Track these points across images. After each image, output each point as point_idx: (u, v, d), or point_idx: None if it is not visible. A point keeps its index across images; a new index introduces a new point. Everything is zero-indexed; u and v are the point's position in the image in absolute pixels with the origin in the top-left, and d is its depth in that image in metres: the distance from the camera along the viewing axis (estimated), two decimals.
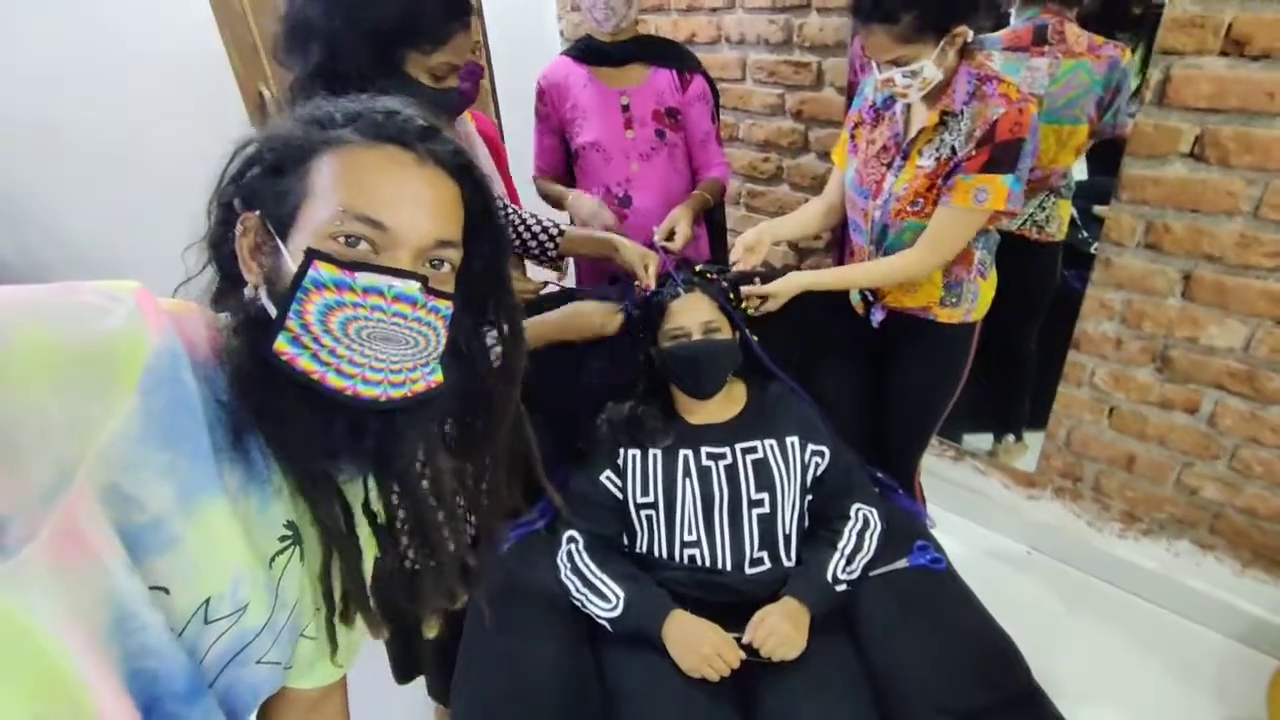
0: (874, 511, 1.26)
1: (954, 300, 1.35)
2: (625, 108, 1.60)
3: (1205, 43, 1.31)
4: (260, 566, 0.56)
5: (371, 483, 0.64)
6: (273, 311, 0.53)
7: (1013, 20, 1.55)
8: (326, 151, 0.55)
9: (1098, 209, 1.58)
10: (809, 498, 1.27)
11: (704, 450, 1.25)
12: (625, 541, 1.27)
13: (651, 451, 1.25)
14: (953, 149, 1.18)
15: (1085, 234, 1.62)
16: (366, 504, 0.63)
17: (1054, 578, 1.90)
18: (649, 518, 1.24)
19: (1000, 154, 1.14)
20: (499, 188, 1.66)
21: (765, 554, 1.22)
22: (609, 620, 1.14)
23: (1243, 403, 1.52)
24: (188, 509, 0.49)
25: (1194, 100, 1.36)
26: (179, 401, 0.48)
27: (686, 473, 1.23)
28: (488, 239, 0.65)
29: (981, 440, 2.03)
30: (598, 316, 1.25)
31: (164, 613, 0.49)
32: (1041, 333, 1.76)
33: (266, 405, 0.53)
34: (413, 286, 0.54)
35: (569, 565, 1.20)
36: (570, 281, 1.79)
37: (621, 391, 1.32)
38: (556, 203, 1.72)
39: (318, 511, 0.58)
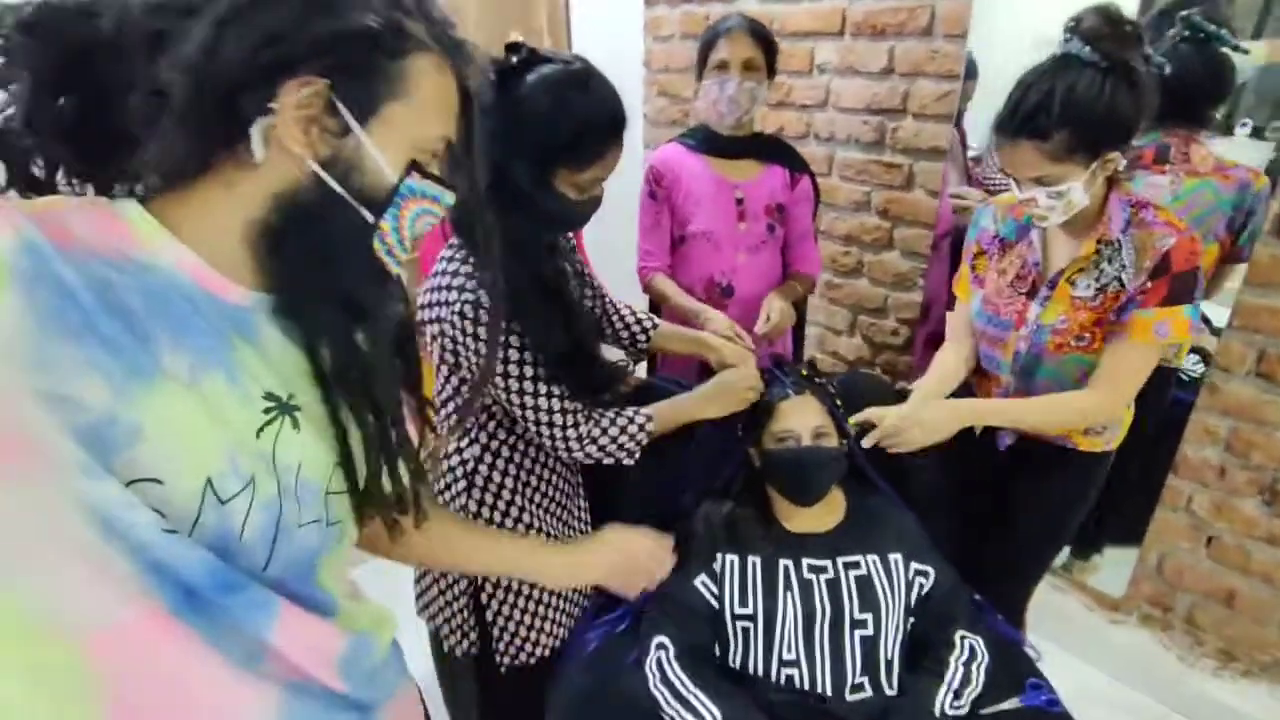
0: (980, 641, 1.19)
1: (1099, 429, 1.29)
2: (739, 201, 1.62)
3: None
4: (247, 439, 0.55)
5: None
6: (368, 216, 0.58)
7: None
8: (419, 54, 0.56)
9: None
10: (911, 620, 1.21)
11: (805, 561, 1.20)
12: (717, 652, 1.21)
13: (750, 558, 1.20)
14: (1119, 280, 1.15)
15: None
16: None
17: (1138, 712, 1.78)
18: (745, 630, 1.18)
19: (1180, 285, 1.10)
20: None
21: (866, 679, 1.15)
22: None
23: None
24: (129, 399, 0.48)
25: None
26: (62, 295, 0.46)
27: (788, 585, 1.18)
28: None
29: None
30: (744, 390, 1.22)
31: (160, 507, 0.49)
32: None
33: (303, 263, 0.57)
34: (451, 195, 0.64)
35: (659, 675, 1.14)
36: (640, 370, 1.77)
37: (718, 490, 1.28)
38: (682, 318, 1.57)
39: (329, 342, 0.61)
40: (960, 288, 1.42)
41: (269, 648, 0.56)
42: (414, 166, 0.59)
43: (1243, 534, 1.59)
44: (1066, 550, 1.95)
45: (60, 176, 0.54)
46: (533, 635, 1.19)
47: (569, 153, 0.99)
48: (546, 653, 1.21)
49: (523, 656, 1.19)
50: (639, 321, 1.38)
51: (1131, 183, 1.48)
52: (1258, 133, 1.61)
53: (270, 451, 0.57)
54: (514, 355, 1.03)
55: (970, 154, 2.01)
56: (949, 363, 1.42)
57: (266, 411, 0.57)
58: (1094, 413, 1.22)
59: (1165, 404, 1.61)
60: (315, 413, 0.61)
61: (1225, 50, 1.36)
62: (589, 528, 1.30)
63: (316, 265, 0.58)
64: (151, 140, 0.50)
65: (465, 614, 1.18)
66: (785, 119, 2.12)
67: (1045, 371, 1.27)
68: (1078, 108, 1.04)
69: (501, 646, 1.18)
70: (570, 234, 1.37)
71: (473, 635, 1.19)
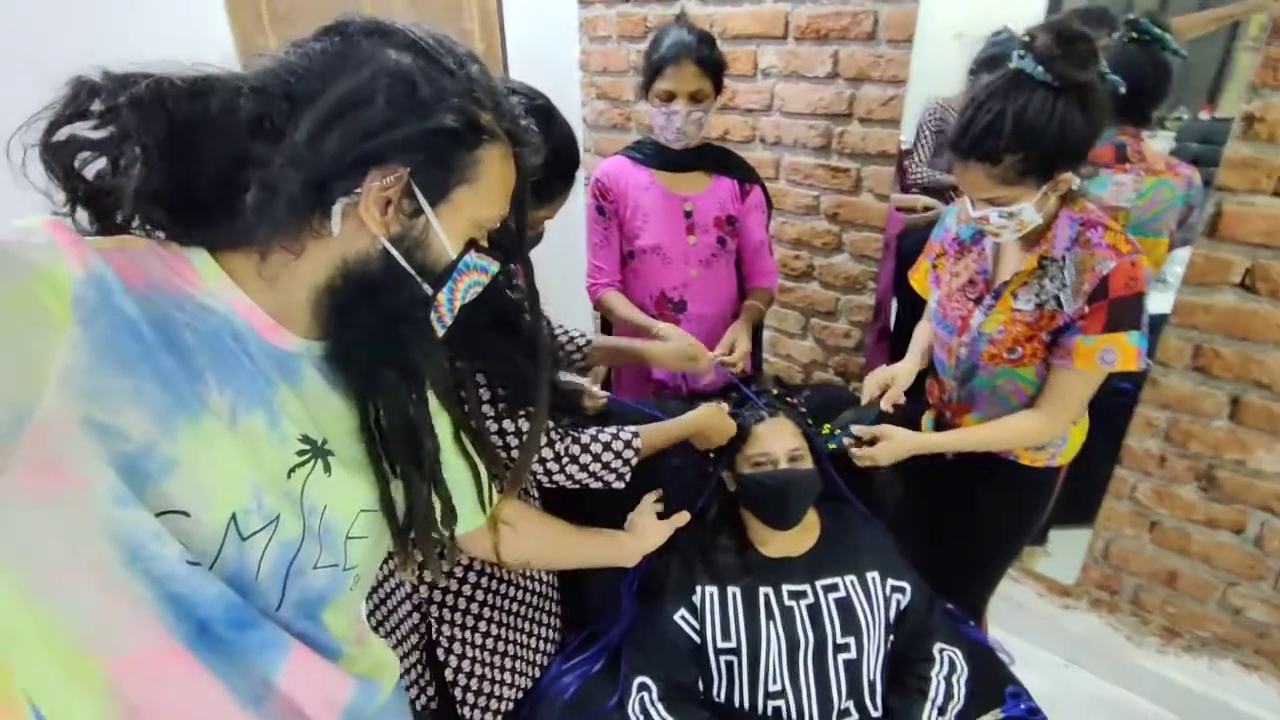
0: (958, 653, 1.20)
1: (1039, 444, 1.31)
2: (688, 214, 1.57)
3: (1259, 183, 1.36)
4: (278, 479, 0.57)
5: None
6: (427, 289, 0.61)
7: None
8: (490, 144, 0.60)
9: None
10: (891, 639, 1.20)
11: (785, 588, 1.17)
12: (700, 688, 1.17)
13: (730, 589, 1.17)
14: (1056, 299, 1.14)
15: None
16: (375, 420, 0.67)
17: (1091, 692, 1.85)
18: (729, 664, 1.15)
19: (1120, 311, 1.09)
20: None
21: (852, 704, 1.14)
22: None
23: None
24: (170, 432, 0.50)
25: (1246, 235, 1.40)
26: (121, 328, 0.48)
27: (769, 614, 1.15)
28: None
29: None
30: (726, 428, 1.23)
31: (184, 540, 0.51)
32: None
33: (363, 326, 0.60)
34: (497, 265, 0.68)
35: (643, 719, 1.10)
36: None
37: (693, 518, 1.24)
38: (635, 333, 1.55)
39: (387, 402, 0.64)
40: (917, 280, 1.43)
41: (275, 689, 0.58)
42: (471, 244, 0.62)
43: (1183, 518, 1.66)
44: None
45: (136, 222, 0.56)
46: (497, 689, 1.13)
47: None
48: (511, 706, 1.16)
49: (489, 717, 1.13)
50: (571, 340, 1.36)
51: (1097, 181, 1.51)
52: (1159, 122, 1.68)
53: (299, 492, 0.59)
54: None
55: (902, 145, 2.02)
56: (928, 338, 1.45)
57: (300, 454, 0.59)
58: (1038, 435, 1.25)
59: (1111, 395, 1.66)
60: (349, 458, 0.63)
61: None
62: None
63: (375, 329, 0.60)
64: (260, 220, 0.53)
65: (420, 668, 1.13)
66: (730, 123, 2.09)
67: (980, 381, 1.29)
68: (1029, 132, 1.01)
69: (466, 711, 1.11)
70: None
71: (429, 690, 1.14)
